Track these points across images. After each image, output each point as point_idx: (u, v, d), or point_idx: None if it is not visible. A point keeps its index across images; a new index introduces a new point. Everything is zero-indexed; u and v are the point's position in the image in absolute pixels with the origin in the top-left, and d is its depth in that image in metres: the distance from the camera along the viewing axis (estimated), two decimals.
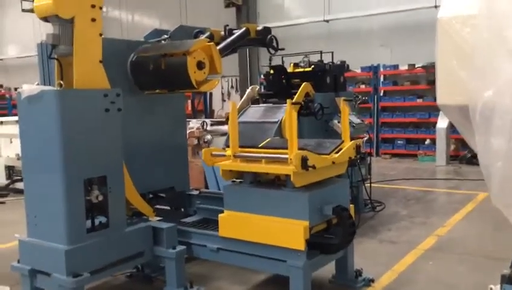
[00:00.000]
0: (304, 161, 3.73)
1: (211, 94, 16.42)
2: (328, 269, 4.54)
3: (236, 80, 15.88)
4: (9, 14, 20.39)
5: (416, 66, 12.64)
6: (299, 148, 3.85)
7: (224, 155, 4.33)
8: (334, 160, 4.12)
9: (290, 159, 3.77)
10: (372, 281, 4.52)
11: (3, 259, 4.23)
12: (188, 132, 10.33)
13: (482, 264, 4.93)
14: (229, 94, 16.05)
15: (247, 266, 4.42)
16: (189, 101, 15.82)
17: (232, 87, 16.06)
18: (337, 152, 4.18)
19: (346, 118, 4.35)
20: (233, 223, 4.25)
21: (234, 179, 4.44)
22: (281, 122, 5.97)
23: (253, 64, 15.16)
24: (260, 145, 4.55)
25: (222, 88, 16.33)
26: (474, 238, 5.76)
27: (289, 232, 3.89)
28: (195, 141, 8.98)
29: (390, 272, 4.79)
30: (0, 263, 4.43)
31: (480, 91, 2.56)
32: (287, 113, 3.86)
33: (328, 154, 4.13)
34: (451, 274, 4.72)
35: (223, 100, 16.26)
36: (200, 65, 4.66)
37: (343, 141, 4.32)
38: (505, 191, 2.65)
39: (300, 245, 3.83)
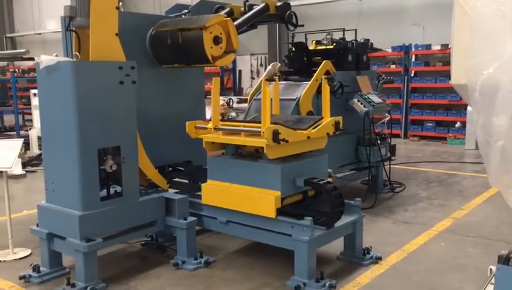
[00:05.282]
0: (275, 134, 3.91)
1: (240, 72, 16.43)
2: (337, 247, 4.58)
3: (265, 57, 15.81)
4: None
5: (449, 46, 12.24)
6: (274, 123, 4.01)
7: (206, 128, 4.52)
8: (309, 135, 4.26)
9: (263, 132, 3.94)
10: (380, 259, 4.53)
11: (29, 225, 4.43)
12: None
13: (496, 247, 4.83)
14: (258, 72, 16.00)
15: (254, 239, 4.52)
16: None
17: (261, 65, 15.99)
18: (314, 128, 4.31)
19: (327, 95, 4.47)
20: (214, 192, 4.47)
21: None
22: (299, 99, 5.98)
23: (283, 41, 15.01)
24: (248, 120, 4.71)
25: (251, 66, 16.30)
26: (491, 222, 5.65)
27: (262, 201, 4.09)
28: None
29: (399, 251, 4.78)
30: (25, 228, 4.64)
31: (480, 68, 2.50)
32: (262, 90, 3.99)
33: (305, 129, 4.27)
34: (461, 256, 4.67)
35: (252, 78, 16.23)
36: (216, 40, 4.70)
37: (322, 117, 4.44)
38: (504, 170, 2.60)
39: (271, 213, 4.03)
